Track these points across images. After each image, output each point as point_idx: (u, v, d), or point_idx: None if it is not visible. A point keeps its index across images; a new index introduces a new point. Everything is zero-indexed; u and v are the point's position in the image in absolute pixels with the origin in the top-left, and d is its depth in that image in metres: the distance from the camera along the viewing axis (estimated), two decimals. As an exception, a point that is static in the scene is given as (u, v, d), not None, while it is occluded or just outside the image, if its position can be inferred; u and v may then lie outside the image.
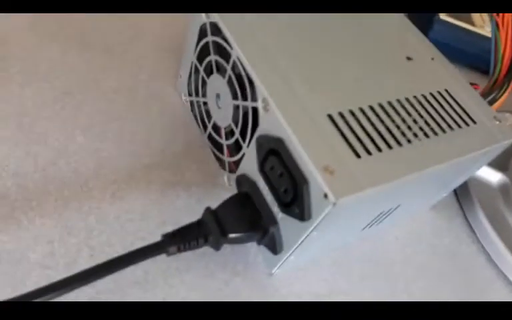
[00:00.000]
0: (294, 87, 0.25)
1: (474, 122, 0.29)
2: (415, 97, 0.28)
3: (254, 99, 0.25)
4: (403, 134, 0.25)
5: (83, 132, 0.30)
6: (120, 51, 0.35)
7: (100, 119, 0.31)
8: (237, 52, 0.26)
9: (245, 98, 0.26)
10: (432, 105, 0.28)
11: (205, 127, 0.32)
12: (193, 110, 0.33)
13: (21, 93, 0.30)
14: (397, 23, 0.34)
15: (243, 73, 0.26)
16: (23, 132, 0.28)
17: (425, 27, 0.49)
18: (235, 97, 0.27)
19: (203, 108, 0.32)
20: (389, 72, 0.29)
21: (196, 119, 0.33)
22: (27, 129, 0.29)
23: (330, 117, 0.24)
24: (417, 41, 0.33)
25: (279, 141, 0.23)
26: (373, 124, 0.25)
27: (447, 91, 0.30)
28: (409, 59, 0.31)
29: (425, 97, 0.28)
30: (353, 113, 0.25)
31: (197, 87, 0.32)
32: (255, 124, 0.25)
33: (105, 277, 0.21)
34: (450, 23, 0.48)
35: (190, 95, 0.33)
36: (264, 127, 0.25)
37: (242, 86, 0.26)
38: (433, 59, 0.32)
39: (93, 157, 0.29)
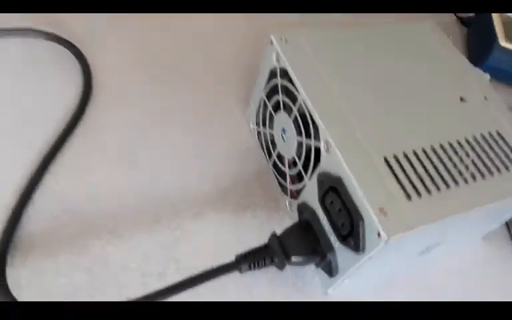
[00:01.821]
0: (353, 130, 0.28)
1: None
2: (466, 139, 0.30)
3: (317, 138, 0.29)
4: (452, 176, 0.28)
5: (169, 159, 0.35)
6: (195, 79, 0.40)
7: (182, 144, 0.36)
8: (302, 96, 0.30)
9: (308, 136, 0.30)
10: (482, 148, 0.30)
11: (270, 155, 0.36)
12: (259, 138, 0.37)
13: (116, 119, 0.36)
14: (452, 60, 0.36)
15: (307, 115, 0.30)
16: (122, 158, 0.34)
17: (483, 53, 0.51)
18: (299, 135, 0.31)
19: (269, 138, 0.36)
20: (443, 114, 0.32)
21: (262, 147, 0.37)
22: (125, 155, 0.34)
23: (385, 159, 0.27)
24: (471, 80, 0.35)
25: (339, 180, 0.27)
26: (424, 166, 0.28)
27: (498, 132, 0.32)
28: (462, 99, 0.33)
29: (475, 139, 0.31)
30: (406, 156, 0.28)
31: (265, 120, 0.36)
32: (317, 160, 0.29)
33: (192, 288, 0.26)
34: (509, 50, 0.49)
35: (257, 124, 0.37)
36: (325, 165, 0.28)
37: (306, 125, 0.30)
38: (486, 98, 0.34)
39: (179, 182, 0.34)
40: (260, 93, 0.35)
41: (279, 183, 0.35)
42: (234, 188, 0.34)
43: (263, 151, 0.37)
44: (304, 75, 0.30)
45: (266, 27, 0.47)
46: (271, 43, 0.33)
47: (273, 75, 0.33)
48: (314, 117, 0.29)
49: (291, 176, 0.33)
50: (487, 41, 0.51)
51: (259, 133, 0.37)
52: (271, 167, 0.36)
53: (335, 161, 0.27)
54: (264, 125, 0.36)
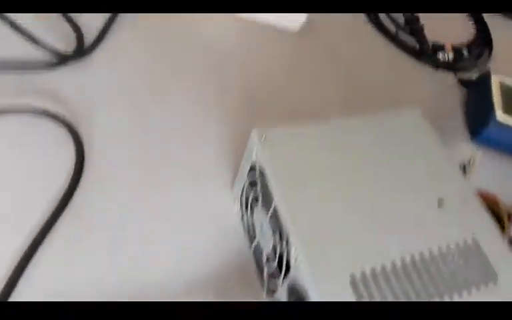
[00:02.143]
0: (324, 243, 0.29)
1: (494, 281, 0.30)
2: (440, 249, 0.30)
3: (289, 245, 0.30)
4: (418, 294, 0.28)
5: (156, 245, 0.36)
6: (184, 160, 0.41)
7: (171, 229, 0.37)
8: (276, 202, 0.30)
9: (281, 241, 0.31)
10: (455, 259, 0.30)
11: (251, 241, 0.37)
12: (243, 221, 0.38)
13: (105, 201, 0.37)
14: (434, 155, 0.36)
15: (280, 221, 0.30)
16: (107, 244, 0.35)
17: (480, 123, 0.50)
18: (273, 235, 0.32)
19: (250, 223, 0.37)
20: (418, 221, 0.32)
21: (244, 229, 0.38)
22: (110, 240, 0.35)
23: (352, 276, 0.28)
24: (452, 176, 0.35)
25: (306, 293, 0.27)
26: (390, 283, 0.28)
27: (474, 239, 0.32)
28: (440, 201, 0.33)
29: (450, 249, 0.31)
30: (374, 272, 0.28)
31: (247, 204, 0.37)
32: (288, 267, 0.30)
33: None
34: (506, 125, 0.48)
35: (241, 207, 0.38)
36: (294, 274, 0.29)
37: (280, 229, 0.31)
38: (465, 199, 0.34)
39: (162, 268, 0.35)
40: (243, 178, 0.36)
41: (258, 269, 0.36)
42: (215, 271, 0.35)
43: (246, 234, 0.38)
44: (280, 179, 0.31)
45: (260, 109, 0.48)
46: (253, 138, 0.33)
47: (252, 168, 0.34)
48: (285, 226, 0.29)
49: (267, 269, 0.34)
50: (484, 110, 0.50)
51: (242, 215, 0.38)
52: (252, 252, 0.37)
53: (302, 273, 0.28)
54: (246, 208, 0.37)
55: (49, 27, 0.45)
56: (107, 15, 0.48)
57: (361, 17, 0.61)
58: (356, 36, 0.59)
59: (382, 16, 0.61)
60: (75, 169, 0.37)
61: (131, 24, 0.49)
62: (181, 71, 0.47)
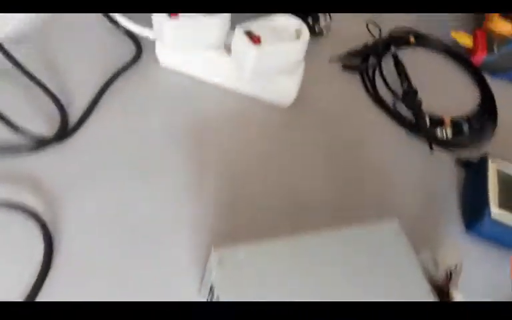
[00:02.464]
0: None
1: None
2: None
3: None
4: None
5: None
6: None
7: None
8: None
9: None
10: None
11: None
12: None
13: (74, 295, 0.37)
14: (408, 276, 0.34)
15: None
16: None
17: (474, 216, 0.48)
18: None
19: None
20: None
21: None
22: None
23: None
24: (423, 297, 0.33)
25: None
26: None
27: None
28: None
29: None
30: None
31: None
32: None
33: None
34: (501, 223, 0.45)
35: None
36: None
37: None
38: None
39: None
40: (207, 289, 0.35)
41: None
42: None
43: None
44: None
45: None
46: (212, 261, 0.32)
47: (212, 288, 0.33)
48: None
49: None
50: (479, 201, 0.47)
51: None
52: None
53: None
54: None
55: (34, 105, 0.46)
56: (92, 94, 0.48)
57: (356, 85, 0.59)
58: (350, 107, 0.57)
59: (379, 85, 0.60)
60: (43, 264, 0.37)
61: (117, 102, 0.49)
62: (162, 152, 0.46)
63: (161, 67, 0.53)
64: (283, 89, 0.52)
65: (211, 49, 0.51)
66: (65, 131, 0.43)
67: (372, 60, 0.62)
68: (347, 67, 0.61)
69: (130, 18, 0.55)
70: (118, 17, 0.55)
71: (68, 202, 0.41)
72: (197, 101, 0.52)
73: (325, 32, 0.63)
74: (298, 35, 0.51)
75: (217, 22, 0.49)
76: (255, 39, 0.47)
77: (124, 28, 0.54)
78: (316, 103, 0.56)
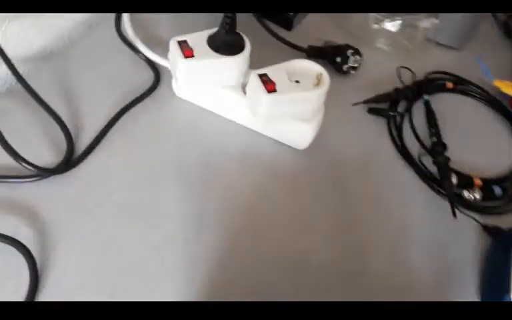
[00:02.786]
0: None
1: None
2: None
3: None
4: None
5: None
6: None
7: None
8: None
9: None
10: None
11: None
12: None
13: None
14: None
15: None
16: None
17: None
18: None
19: None
20: None
21: None
22: None
23: None
24: None
25: None
26: None
27: None
28: None
29: None
30: None
31: None
32: None
33: None
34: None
35: None
36: None
37: None
38: None
39: None
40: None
41: None
42: None
43: None
44: None
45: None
46: None
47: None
48: None
49: None
50: (500, 282, 0.43)
51: None
52: None
53: None
54: None
55: (43, 130, 0.46)
56: (104, 123, 0.47)
57: (380, 131, 0.56)
58: (371, 155, 0.54)
59: (406, 134, 0.56)
60: (27, 298, 0.37)
61: (128, 132, 0.48)
62: (165, 190, 0.45)
63: (177, 97, 0.53)
64: (298, 133, 0.49)
65: (226, 88, 0.49)
66: (67, 163, 0.43)
67: (402, 105, 0.58)
68: (373, 111, 0.57)
69: (150, 47, 0.54)
70: (139, 44, 0.54)
71: (60, 236, 0.40)
72: (209, 136, 0.50)
73: (353, 71, 0.60)
74: (318, 80, 0.48)
75: (233, 63, 0.47)
76: (269, 85, 0.45)
77: (144, 55, 0.54)
78: (335, 148, 0.53)
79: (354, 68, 0.60)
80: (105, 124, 0.47)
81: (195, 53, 0.46)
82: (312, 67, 0.49)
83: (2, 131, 0.43)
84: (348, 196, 0.49)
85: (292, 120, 0.48)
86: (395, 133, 0.56)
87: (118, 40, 0.56)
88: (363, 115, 0.57)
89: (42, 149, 0.45)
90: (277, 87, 0.45)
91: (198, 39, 0.47)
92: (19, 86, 0.47)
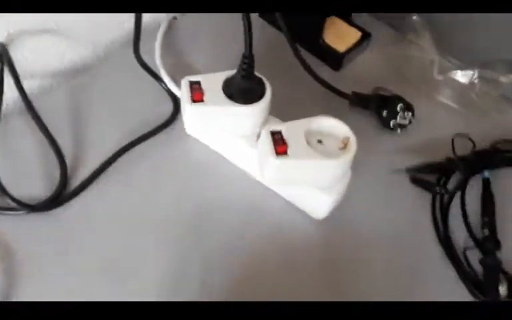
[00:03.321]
0: None
1: None
2: None
3: None
4: None
5: None
6: None
7: None
8: None
9: None
10: None
11: None
12: None
13: None
14: None
15: None
16: None
17: None
18: None
19: None
20: None
21: None
22: None
23: None
24: None
25: None
26: None
27: None
28: None
29: None
30: None
31: None
32: None
33: None
34: None
35: None
36: None
37: None
38: None
39: None
40: None
41: None
42: None
43: None
44: None
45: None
46: None
47: None
48: None
49: None
50: None
51: None
52: None
53: None
54: None
55: (40, 158, 0.44)
56: (100, 161, 0.44)
57: (421, 207, 0.47)
58: (404, 235, 0.45)
59: (454, 215, 0.46)
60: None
61: (129, 169, 0.45)
62: (155, 242, 0.41)
63: (191, 136, 0.48)
64: (314, 202, 0.43)
65: (239, 137, 0.44)
66: (54, 200, 0.41)
67: (454, 180, 0.49)
68: (416, 182, 0.48)
69: (175, 75, 0.50)
70: (162, 72, 0.51)
71: (26, 276, 0.37)
72: (215, 186, 0.45)
73: (399, 130, 0.51)
74: (345, 144, 0.41)
75: (248, 112, 0.41)
76: (280, 146, 0.39)
77: (165, 85, 0.50)
78: (359, 221, 0.45)
79: (402, 126, 0.51)
80: (104, 160, 0.44)
81: (205, 98, 0.41)
82: (339, 127, 0.42)
83: (1, 153, 0.42)
84: (365, 285, 0.41)
85: (307, 186, 0.42)
86: (438, 214, 0.46)
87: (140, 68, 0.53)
88: (403, 185, 0.48)
89: (35, 178, 0.42)
90: (290, 150, 0.39)
91: (213, 81, 0.42)
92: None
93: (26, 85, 0.51)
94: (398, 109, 0.51)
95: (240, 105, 0.41)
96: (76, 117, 0.48)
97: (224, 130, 0.43)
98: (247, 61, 0.40)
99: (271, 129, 0.40)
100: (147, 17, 0.60)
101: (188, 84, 0.42)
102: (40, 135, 0.44)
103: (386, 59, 0.60)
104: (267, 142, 0.39)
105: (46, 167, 0.43)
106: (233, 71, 0.42)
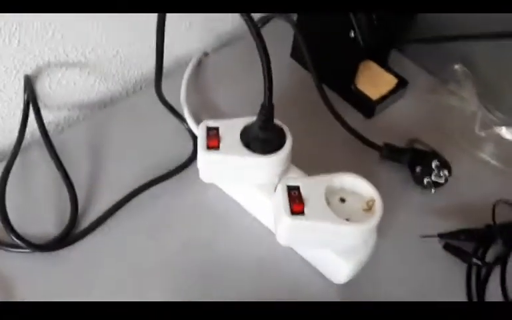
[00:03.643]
0: None
1: None
2: None
3: None
4: None
5: None
6: None
7: None
8: None
9: None
10: None
11: None
12: None
13: None
14: None
15: None
16: None
17: None
18: None
19: None
20: None
21: None
22: None
23: None
24: None
25: None
26: None
27: None
28: None
29: None
30: None
31: None
32: None
33: None
34: None
35: None
36: None
37: None
38: None
39: None
40: None
41: None
42: None
43: None
44: None
45: None
46: None
47: None
48: None
49: None
50: None
51: None
52: None
53: None
54: None
55: (53, 197, 0.43)
56: (112, 202, 0.43)
57: (455, 278, 0.42)
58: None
59: (491, 292, 0.41)
60: None
61: (142, 211, 0.43)
62: (161, 293, 0.39)
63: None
64: (332, 266, 0.39)
65: (256, 186, 0.41)
66: (62, 240, 0.39)
67: (494, 251, 0.44)
68: (450, 249, 0.44)
69: (197, 117, 0.49)
70: (185, 111, 0.49)
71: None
72: (227, 237, 0.42)
73: (433, 190, 0.47)
74: (369, 207, 0.37)
75: (264, 163, 0.39)
76: (297, 204, 0.36)
77: (188, 125, 0.49)
78: (383, 289, 0.41)
79: (437, 184, 0.47)
80: (116, 202, 0.42)
81: (221, 145, 0.39)
82: (365, 187, 0.38)
83: (13, 186, 0.42)
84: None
85: (325, 248, 0.38)
86: (474, 288, 0.42)
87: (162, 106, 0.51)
88: (435, 251, 0.44)
89: (45, 215, 0.41)
90: (307, 209, 0.36)
91: (232, 128, 0.40)
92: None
93: (52, 116, 0.52)
94: (433, 166, 0.47)
95: (257, 155, 0.38)
96: (94, 153, 0.47)
97: (239, 179, 0.41)
98: (265, 112, 0.37)
99: (288, 184, 0.37)
100: (178, 51, 0.60)
101: (205, 129, 0.40)
102: (55, 170, 0.43)
103: (423, 108, 0.56)
104: (282, 198, 0.36)
105: (58, 204, 0.42)
106: (254, 118, 0.40)
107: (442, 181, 0.47)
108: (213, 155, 0.39)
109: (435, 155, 0.48)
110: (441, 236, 0.44)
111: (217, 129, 0.40)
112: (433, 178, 0.47)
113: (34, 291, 0.37)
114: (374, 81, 0.55)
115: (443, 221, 0.45)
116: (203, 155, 0.39)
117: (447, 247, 0.44)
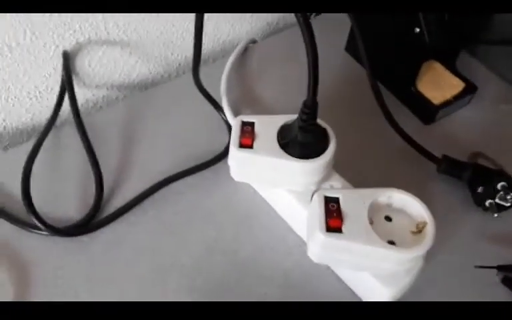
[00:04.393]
0: None
1: None
2: None
3: None
4: None
5: None
6: None
7: None
8: None
9: None
10: None
11: None
12: None
13: None
14: None
15: None
16: None
17: None
18: None
19: None
20: None
21: None
22: None
23: None
24: None
25: None
26: None
27: None
28: None
29: None
30: None
31: None
32: None
33: None
34: None
35: None
36: None
37: None
38: None
39: None
40: None
41: None
42: None
43: None
44: None
45: None
46: None
47: None
48: None
49: None
50: None
51: None
52: None
53: None
54: None
55: (80, 179, 0.41)
56: (139, 190, 0.40)
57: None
58: None
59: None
60: None
61: (159, 210, 0.40)
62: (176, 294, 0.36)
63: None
64: (370, 290, 0.35)
65: (291, 192, 0.37)
66: (83, 225, 0.38)
67: None
68: (510, 285, 0.38)
69: (236, 108, 0.46)
70: (224, 101, 0.46)
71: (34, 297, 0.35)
72: (254, 242, 0.39)
73: (497, 214, 0.41)
74: (419, 230, 0.33)
75: (301, 168, 0.35)
76: (334, 219, 0.32)
77: (225, 116, 0.46)
78: None
79: (501, 207, 0.41)
80: (142, 191, 0.40)
81: (255, 144, 0.35)
82: (416, 207, 0.33)
83: (41, 164, 0.41)
84: None
85: (364, 270, 0.34)
86: None
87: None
88: (491, 284, 0.38)
89: (70, 198, 0.40)
90: (345, 226, 0.31)
91: (269, 125, 0.36)
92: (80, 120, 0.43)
93: (90, 94, 0.51)
94: (499, 187, 0.41)
95: (293, 159, 0.34)
96: (126, 137, 0.45)
97: (272, 183, 0.37)
98: (308, 111, 0.33)
99: (327, 194, 0.33)
100: (225, 37, 0.57)
101: (240, 124, 0.37)
102: (84, 153, 0.42)
103: (491, 118, 0.49)
104: (318, 210, 0.32)
105: (84, 188, 0.41)
106: (294, 116, 0.36)
107: (508, 204, 0.41)
108: (246, 153, 0.35)
109: (501, 173, 0.42)
110: (500, 268, 0.38)
111: (252, 124, 0.37)
112: (497, 200, 0.41)
113: (49, 276, 0.36)
114: (437, 83, 0.49)
115: (504, 250, 0.39)
116: (234, 153, 0.36)
117: (505, 282, 0.38)
